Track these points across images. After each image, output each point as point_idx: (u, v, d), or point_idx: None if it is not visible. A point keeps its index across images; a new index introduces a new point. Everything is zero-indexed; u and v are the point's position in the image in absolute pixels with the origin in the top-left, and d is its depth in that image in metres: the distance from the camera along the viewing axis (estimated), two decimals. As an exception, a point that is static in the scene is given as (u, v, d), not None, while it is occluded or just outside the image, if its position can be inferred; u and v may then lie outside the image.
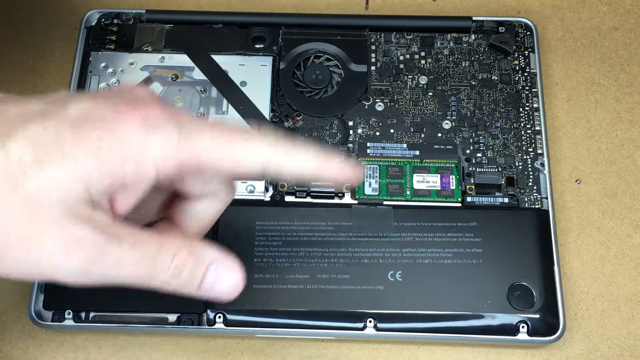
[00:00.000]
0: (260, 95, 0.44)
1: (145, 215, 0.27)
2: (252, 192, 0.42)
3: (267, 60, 0.46)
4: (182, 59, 0.46)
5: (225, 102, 0.44)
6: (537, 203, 0.42)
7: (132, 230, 0.23)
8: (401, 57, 0.46)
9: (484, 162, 0.43)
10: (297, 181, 0.25)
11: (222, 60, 0.46)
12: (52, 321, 0.39)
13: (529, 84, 0.45)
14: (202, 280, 0.25)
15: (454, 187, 0.42)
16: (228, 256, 0.25)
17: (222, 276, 0.25)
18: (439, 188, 0.42)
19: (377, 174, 0.42)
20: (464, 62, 0.46)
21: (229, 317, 0.39)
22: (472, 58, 0.46)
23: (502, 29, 0.47)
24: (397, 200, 0.42)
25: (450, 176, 0.42)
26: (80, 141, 0.22)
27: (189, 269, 0.24)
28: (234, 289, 0.25)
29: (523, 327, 0.39)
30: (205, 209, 0.27)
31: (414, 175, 0.42)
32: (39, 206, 0.21)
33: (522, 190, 0.42)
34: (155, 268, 0.23)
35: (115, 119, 0.23)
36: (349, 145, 0.43)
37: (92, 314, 0.39)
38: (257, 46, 0.46)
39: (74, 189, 0.22)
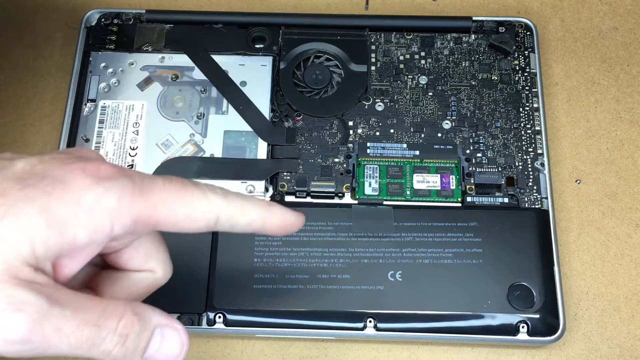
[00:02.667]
0: (260, 95, 0.44)
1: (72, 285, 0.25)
2: (252, 192, 0.42)
3: (267, 60, 0.46)
4: (182, 59, 0.46)
5: (225, 102, 0.44)
6: (537, 203, 0.42)
7: (73, 295, 0.22)
8: (401, 57, 0.46)
9: (484, 162, 0.43)
10: (244, 232, 0.26)
11: (222, 60, 0.46)
12: (52, 321, 0.39)
13: (529, 84, 0.45)
14: (147, 346, 0.23)
15: (454, 187, 0.42)
16: (172, 318, 0.24)
17: (168, 340, 0.24)
18: (439, 188, 0.42)
19: (377, 174, 0.42)
20: (464, 62, 0.46)
21: (229, 317, 0.39)
22: (472, 58, 0.46)
23: (502, 29, 0.47)
24: (397, 200, 0.42)
25: (450, 176, 0.42)
26: (27, 195, 0.21)
27: (135, 335, 0.23)
28: (179, 354, 0.24)
29: (523, 327, 0.39)
30: (137, 284, 0.26)
31: (414, 175, 0.42)
32: None
33: (522, 190, 0.42)
34: (99, 335, 0.22)
35: (65, 174, 0.22)
36: (349, 145, 0.43)
37: (92, 314, 0.39)
38: (257, 46, 0.46)
39: (18, 248, 0.20)
